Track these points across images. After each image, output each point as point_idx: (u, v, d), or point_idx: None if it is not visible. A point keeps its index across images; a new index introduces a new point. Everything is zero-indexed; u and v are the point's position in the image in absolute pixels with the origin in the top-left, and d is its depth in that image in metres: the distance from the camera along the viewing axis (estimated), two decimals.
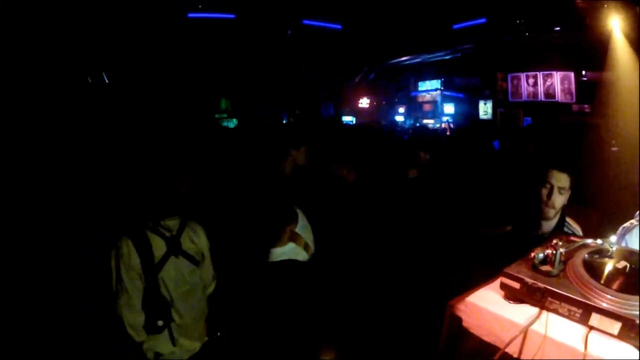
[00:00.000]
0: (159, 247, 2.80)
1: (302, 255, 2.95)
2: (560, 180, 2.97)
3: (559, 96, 10.38)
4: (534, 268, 1.76)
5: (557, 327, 1.59)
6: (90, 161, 5.43)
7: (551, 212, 3.03)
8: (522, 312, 1.68)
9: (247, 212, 3.23)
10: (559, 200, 2.99)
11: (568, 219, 3.14)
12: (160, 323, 2.81)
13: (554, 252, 1.75)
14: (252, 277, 2.97)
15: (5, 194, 4.58)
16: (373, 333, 3.52)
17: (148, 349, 2.82)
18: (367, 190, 4.53)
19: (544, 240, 2.16)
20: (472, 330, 1.77)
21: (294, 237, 2.97)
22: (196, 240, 3.02)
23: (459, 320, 1.80)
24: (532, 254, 1.79)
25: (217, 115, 15.44)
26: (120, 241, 2.75)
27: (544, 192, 3.00)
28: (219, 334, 3.17)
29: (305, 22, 13.08)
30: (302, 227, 3.05)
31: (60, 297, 3.85)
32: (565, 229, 3.10)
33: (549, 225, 3.09)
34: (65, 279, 3.96)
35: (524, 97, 11.30)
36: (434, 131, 11.23)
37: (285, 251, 2.92)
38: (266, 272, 2.92)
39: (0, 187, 4.67)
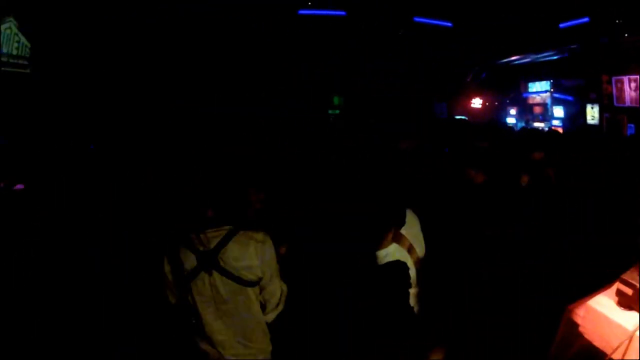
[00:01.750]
0: (189, 260, 2.55)
1: (405, 258, 2.91)
2: None
3: None
4: None
5: None
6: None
7: None
8: (632, 319, 1.72)
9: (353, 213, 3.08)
10: None
11: None
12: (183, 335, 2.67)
13: None
14: (359, 281, 2.89)
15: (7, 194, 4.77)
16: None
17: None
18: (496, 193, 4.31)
19: None
20: (586, 335, 1.78)
21: (398, 238, 2.91)
22: (243, 257, 2.58)
23: (575, 324, 1.83)
24: None
25: (329, 112, 16.02)
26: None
27: None
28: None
29: (417, 19, 13.15)
30: (409, 228, 2.98)
31: (61, 298, 3.83)
32: None
33: None
34: (65, 279, 3.94)
35: (627, 102, 10.46)
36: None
37: (390, 252, 2.86)
38: (374, 276, 2.91)
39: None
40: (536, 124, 13.85)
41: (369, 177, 3.54)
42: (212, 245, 2.54)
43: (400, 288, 2.89)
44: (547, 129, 13.05)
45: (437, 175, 4.47)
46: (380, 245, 2.84)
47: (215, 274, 2.53)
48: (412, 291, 3.01)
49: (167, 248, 2.58)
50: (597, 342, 1.71)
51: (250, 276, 2.58)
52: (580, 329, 1.79)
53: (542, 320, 2.23)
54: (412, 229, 2.99)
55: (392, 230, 2.89)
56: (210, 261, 2.53)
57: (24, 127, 7.46)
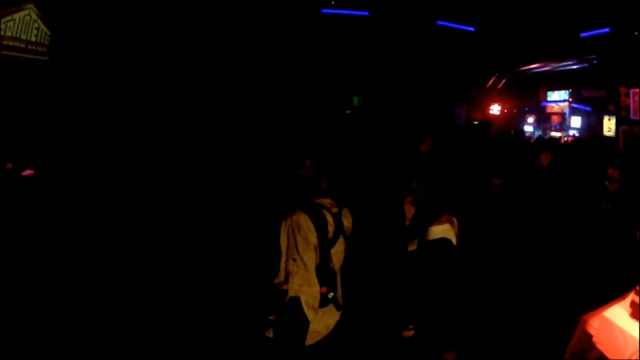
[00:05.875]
0: (331, 223, 2.77)
1: (453, 238, 3.30)
2: None
3: None
4: None
5: None
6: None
7: None
8: None
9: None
10: None
11: None
12: (331, 295, 2.75)
13: None
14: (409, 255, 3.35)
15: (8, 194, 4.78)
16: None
17: (321, 321, 2.72)
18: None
19: None
20: (599, 346, 1.80)
21: (451, 221, 3.34)
22: (349, 219, 2.95)
23: (589, 335, 1.84)
24: None
25: (347, 112, 16.10)
26: (297, 216, 2.69)
27: None
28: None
29: (440, 22, 13.16)
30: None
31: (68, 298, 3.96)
32: None
33: None
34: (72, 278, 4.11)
35: None
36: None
37: (444, 229, 3.29)
38: (424, 249, 3.31)
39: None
40: (553, 133, 13.76)
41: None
42: (336, 210, 2.85)
43: (442, 263, 3.22)
44: (565, 139, 13.03)
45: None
46: (434, 222, 3.28)
47: (341, 236, 2.85)
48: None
49: (310, 215, 2.70)
50: (610, 354, 1.73)
51: (348, 234, 2.93)
52: (594, 339, 1.80)
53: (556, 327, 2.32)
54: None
55: (446, 215, 3.32)
56: (341, 223, 2.85)
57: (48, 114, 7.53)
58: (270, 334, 2.73)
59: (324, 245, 2.71)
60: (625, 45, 9.80)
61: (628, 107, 10.91)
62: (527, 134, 14.31)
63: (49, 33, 8.84)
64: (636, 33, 9.28)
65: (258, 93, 12.64)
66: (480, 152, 6.23)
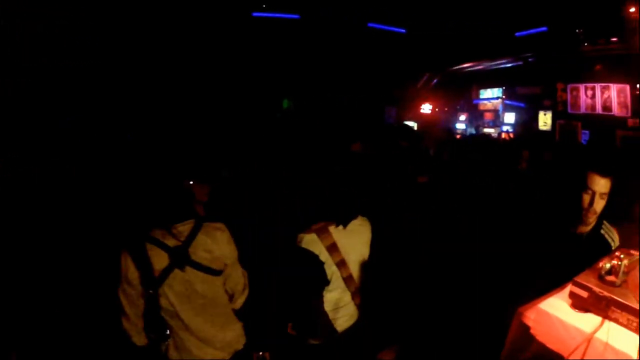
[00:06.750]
0: (160, 259, 2.48)
1: (320, 251, 3.02)
2: (602, 185, 2.94)
3: (616, 109, 9.94)
4: (601, 278, 1.84)
5: (617, 336, 1.66)
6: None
7: (592, 218, 3.03)
8: (588, 321, 1.75)
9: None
10: (600, 205, 2.98)
11: (605, 223, 3.13)
12: (152, 336, 2.55)
13: (619, 263, 1.83)
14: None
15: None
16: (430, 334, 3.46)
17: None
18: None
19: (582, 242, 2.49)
20: (538, 338, 1.82)
21: (321, 232, 3.05)
22: (213, 247, 2.59)
23: (527, 327, 1.86)
24: (600, 264, 1.88)
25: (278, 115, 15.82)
26: (120, 255, 2.50)
27: (586, 198, 2.97)
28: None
29: (371, 24, 13.17)
30: (346, 231, 3.12)
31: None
32: (602, 232, 3.10)
33: (587, 228, 3.10)
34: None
35: (583, 109, 10.88)
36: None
37: (305, 240, 3.04)
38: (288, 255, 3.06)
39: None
40: (487, 130, 14.14)
41: (316, 174, 3.78)
42: (182, 239, 2.51)
43: (305, 278, 3.01)
44: (497, 134, 13.43)
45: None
46: (303, 230, 3.02)
47: (188, 269, 2.50)
48: (330, 295, 3.13)
49: (131, 251, 2.47)
50: (552, 345, 1.75)
51: (217, 266, 2.60)
52: (532, 331, 1.83)
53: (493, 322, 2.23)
54: (351, 238, 3.11)
55: (321, 223, 3.04)
56: (184, 255, 2.50)
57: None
58: None
59: (149, 286, 2.51)
60: (562, 43, 10.18)
61: (565, 102, 11.38)
62: (459, 131, 14.62)
63: None
64: (577, 31, 9.61)
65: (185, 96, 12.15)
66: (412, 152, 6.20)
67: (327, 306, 3.13)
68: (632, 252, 1.99)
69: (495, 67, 13.00)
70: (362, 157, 5.27)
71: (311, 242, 3.01)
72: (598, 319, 1.73)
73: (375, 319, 3.17)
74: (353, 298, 3.20)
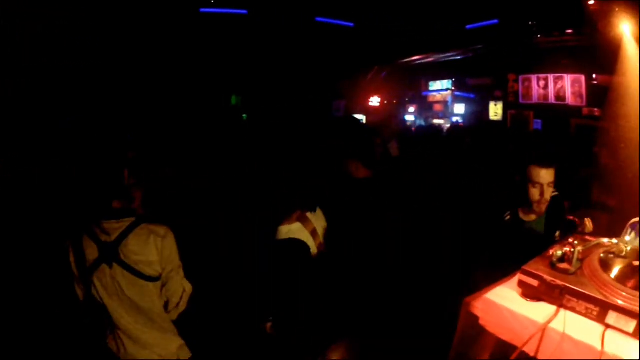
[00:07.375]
0: (91, 250, 2.48)
1: (307, 238, 2.98)
2: (547, 176, 3.03)
3: (570, 99, 10.32)
4: (552, 266, 1.79)
5: (574, 325, 1.60)
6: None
7: (544, 207, 3.11)
8: (540, 310, 1.70)
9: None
10: (549, 192, 3.07)
11: None
12: (86, 321, 2.57)
13: (572, 250, 1.78)
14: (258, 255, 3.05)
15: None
16: (382, 329, 3.44)
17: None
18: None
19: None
20: (488, 328, 1.78)
21: (303, 219, 3.00)
22: (145, 251, 2.52)
23: (475, 318, 1.81)
24: (550, 252, 1.82)
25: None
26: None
27: (535, 192, 3.05)
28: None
29: (318, 19, 13.09)
30: (316, 215, 3.11)
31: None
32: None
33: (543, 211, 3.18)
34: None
35: (535, 99, 11.23)
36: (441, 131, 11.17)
37: (292, 229, 2.95)
38: (272, 250, 2.95)
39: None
40: (436, 121, 14.37)
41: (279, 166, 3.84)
42: (114, 236, 2.48)
43: (297, 265, 2.95)
44: (447, 125, 13.68)
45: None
46: (283, 222, 2.98)
47: (116, 267, 2.48)
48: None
49: (71, 239, 2.51)
50: (504, 336, 1.73)
51: (150, 271, 2.52)
52: (481, 321, 1.80)
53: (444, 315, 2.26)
54: (319, 220, 3.14)
55: (297, 212, 3.03)
56: (111, 253, 2.47)
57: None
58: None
59: (82, 276, 2.54)
60: (515, 35, 10.43)
61: (517, 93, 11.71)
62: (408, 123, 14.79)
63: None
64: (530, 23, 9.85)
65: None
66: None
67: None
68: (587, 238, 2.00)
69: (445, 59, 13.16)
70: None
71: (298, 230, 2.98)
72: (552, 308, 1.69)
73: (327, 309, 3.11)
74: None
